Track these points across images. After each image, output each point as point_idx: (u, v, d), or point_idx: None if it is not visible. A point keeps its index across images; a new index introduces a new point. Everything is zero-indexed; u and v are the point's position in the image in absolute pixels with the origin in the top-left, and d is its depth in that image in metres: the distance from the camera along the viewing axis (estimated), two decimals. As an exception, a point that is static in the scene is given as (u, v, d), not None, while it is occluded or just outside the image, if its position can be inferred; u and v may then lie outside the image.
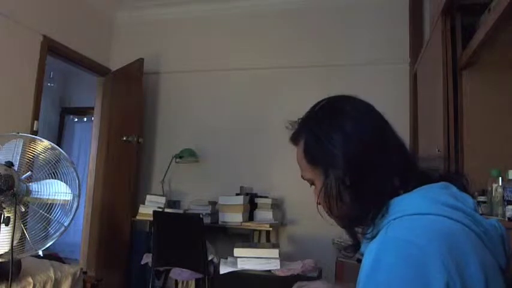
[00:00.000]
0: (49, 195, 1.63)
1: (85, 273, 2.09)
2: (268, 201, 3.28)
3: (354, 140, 0.73)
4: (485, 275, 0.60)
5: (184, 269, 2.80)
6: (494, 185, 1.66)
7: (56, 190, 1.64)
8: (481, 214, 1.71)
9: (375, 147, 0.73)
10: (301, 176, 0.82)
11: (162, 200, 3.40)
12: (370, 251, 0.63)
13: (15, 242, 1.55)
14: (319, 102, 0.83)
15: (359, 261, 0.80)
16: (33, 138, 1.77)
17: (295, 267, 2.45)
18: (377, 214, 0.68)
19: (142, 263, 3.08)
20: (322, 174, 0.75)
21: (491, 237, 0.66)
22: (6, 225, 1.50)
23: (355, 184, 0.71)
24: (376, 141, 0.74)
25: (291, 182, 3.53)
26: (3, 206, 1.52)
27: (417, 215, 0.65)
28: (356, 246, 0.78)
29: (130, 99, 3.78)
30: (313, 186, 0.81)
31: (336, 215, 0.76)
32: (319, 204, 0.79)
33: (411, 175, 0.73)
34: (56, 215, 1.66)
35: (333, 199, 0.74)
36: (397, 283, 0.58)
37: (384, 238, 0.63)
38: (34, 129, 3.17)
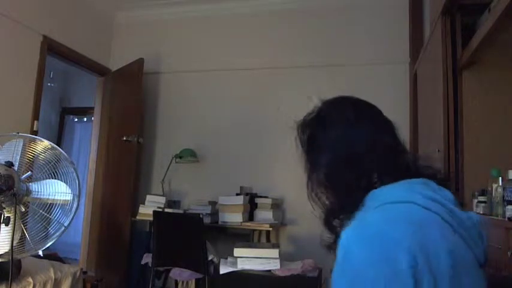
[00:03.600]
0: (49, 195, 1.63)
1: (85, 273, 2.10)
2: (268, 201, 3.28)
3: (341, 141, 0.79)
4: (455, 262, 0.61)
5: (184, 269, 2.80)
6: (494, 185, 1.66)
7: (56, 190, 1.64)
8: (482, 214, 1.71)
9: (358, 148, 0.77)
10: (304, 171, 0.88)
11: (162, 200, 3.40)
12: (340, 238, 0.65)
13: (15, 242, 1.55)
14: (315, 108, 0.89)
15: None
16: (33, 138, 1.77)
17: (295, 267, 2.45)
18: (355, 207, 0.71)
19: (142, 263, 3.08)
20: (307, 175, 0.83)
21: (467, 228, 0.68)
22: (6, 225, 1.50)
23: (332, 185, 0.78)
24: (362, 142, 0.77)
25: (291, 182, 3.54)
26: (3, 206, 1.52)
27: (391, 204, 0.67)
28: (335, 240, 0.78)
29: (130, 99, 3.78)
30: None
31: (322, 205, 0.82)
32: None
33: (393, 172, 0.75)
34: (56, 215, 1.66)
35: (315, 197, 0.81)
36: (363, 266, 0.60)
37: (351, 225, 0.66)
38: (34, 129, 3.16)
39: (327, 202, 0.79)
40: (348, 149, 0.77)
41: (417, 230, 0.61)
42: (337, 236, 0.75)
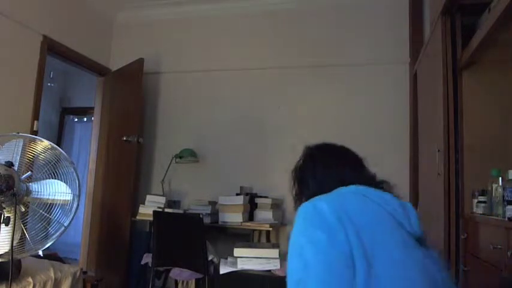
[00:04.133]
0: (49, 195, 1.63)
1: (85, 273, 2.10)
2: (268, 201, 3.28)
3: (317, 168, 1.15)
4: (369, 220, 0.91)
5: (184, 269, 2.80)
6: (494, 185, 1.66)
7: (56, 190, 1.64)
8: (482, 214, 1.70)
9: (330, 168, 1.14)
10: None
11: (162, 200, 3.40)
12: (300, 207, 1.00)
13: (15, 242, 1.55)
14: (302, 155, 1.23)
15: None
16: (33, 138, 1.77)
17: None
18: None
19: (142, 263, 3.08)
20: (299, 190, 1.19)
21: (390, 204, 0.97)
22: (6, 225, 1.50)
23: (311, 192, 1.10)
24: (333, 167, 1.14)
25: (291, 182, 3.54)
26: (3, 206, 1.52)
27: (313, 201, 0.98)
28: None
29: (130, 99, 3.78)
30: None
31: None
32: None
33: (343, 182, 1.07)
34: (56, 215, 1.66)
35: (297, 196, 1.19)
36: (301, 221, 0.94)
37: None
38: (34, 129, 3.16)
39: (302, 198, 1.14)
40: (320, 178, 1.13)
41: (339, 198, 0.98)
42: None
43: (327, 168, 1.13)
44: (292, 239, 0.93)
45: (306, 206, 0.96)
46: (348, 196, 0.99)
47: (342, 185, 1.04)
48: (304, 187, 1.15)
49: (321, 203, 0.93)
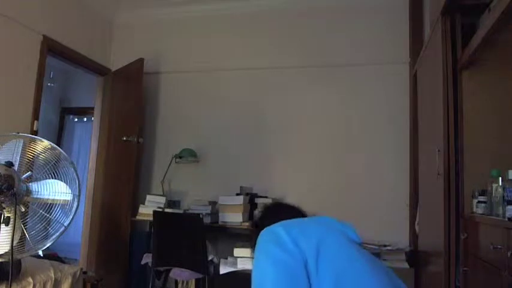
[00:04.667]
0: (49, 195, 1.63)
1: (85, 273, 2.10)
2: (268, 201, 3.28)
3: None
4: (321, 238, 1.04)
5: (184, 269, 2.80)
6: (494, 185, 1.66)
7: (56, 190, 1.64)
8: (482, 214, 1.70)
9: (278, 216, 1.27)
10: None
11: (162, 200, 3.40)
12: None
13: (15, 242, 1.55)
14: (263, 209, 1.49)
15: None
16: (33, 138, 1.77)
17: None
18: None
19: (142, 263, 3.08)
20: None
21: (331, 224, 1.16)
22: (6, 225, 1.50)
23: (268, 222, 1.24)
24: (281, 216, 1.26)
25: (291, 182, 3.55)
26: (3, 206, 1.52)
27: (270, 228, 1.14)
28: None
29: (130, 99, 3.78)
30: None
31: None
32: None
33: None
34: (56, 215, 1.66)
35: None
36: (261, 246, 1.07)
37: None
38: (34, 129, 3.16)
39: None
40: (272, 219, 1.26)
41: (293, 224, 1.13)
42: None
43: (278, 213, 1.35)
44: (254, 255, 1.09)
45: (264, 230, 1.13)
46: (298, 220, 1.22)
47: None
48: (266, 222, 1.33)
49: (276, 227, 1.11)
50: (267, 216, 1.40)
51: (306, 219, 1.26)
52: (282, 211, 1.38)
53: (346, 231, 1.14)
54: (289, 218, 1.22)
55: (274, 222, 1.17)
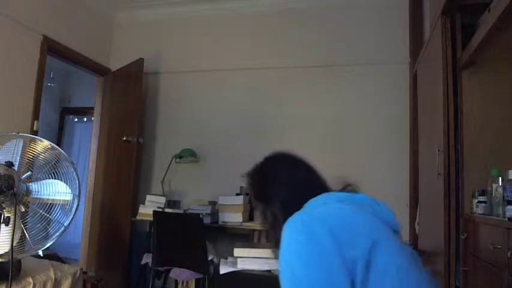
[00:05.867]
0: (49, 195, 1.63)
1: (85, 273, 2.10)
2: (268, 201, 3.28)
3: (279, 184, 1.10)
4: (371, 233, 0.86)
5: (184, 269, 2.80)
6: (494, 185, 1.66)
7: (56, 190, 1.64)
8: (482, 214, 1.70)
9: (293, 187, 1.07)
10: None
11: (162, 200, 3.40)
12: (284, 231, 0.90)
13: (15, 242, 1.55)
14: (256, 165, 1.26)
15: None
16: (33, 138, 1.77)
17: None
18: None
19: (142, 263, 3.08)
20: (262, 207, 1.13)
21: (376, 208, 0.98)
22: (6, 225, 1.50)
23: (279, 210, 1.04)
24: (294, 184, 1.08)
25: (291, 182, 3.54)
26: (3, 206, 1.52)
27: (314, 208, 0.94)
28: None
29: (130, 99, 3.78)
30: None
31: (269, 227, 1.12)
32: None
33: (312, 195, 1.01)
34: (56, 215, 1.66)
35: (266, 220, 1.11)
36: (293, 248, 0.85)
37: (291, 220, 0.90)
38: (34, 129, 3.16)
39: (276, 217, 1.05)
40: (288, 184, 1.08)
41: (329, 211, 0.91)
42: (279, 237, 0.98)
43: (294, 169, 1.12)
44: (285, 258, 0.86)
45: (298, 227, 0.87)
46: (336, 208, 0.93)
47: (312, 188, 1.04)
48: (271, 191, 1.09)
49: (315, 225, 0.85)
50: (280, 173, 1.11)
51: (347, 208, 0.94)
52: (301, 186, 1.07)
53: (390, 220, 0.98)
54: (313, 196, 0.99)
55: (292, 209, 0.94)
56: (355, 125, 3.46)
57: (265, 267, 2.46)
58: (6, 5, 2.95)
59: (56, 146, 1.75)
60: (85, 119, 5.63)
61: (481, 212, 1.75)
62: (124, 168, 3.68)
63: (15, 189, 1.51)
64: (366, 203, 0.98)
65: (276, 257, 0.89)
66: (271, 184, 1.10)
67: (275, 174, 1.13)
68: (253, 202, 1.20)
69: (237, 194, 3.30)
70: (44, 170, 1.69)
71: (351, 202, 0.95)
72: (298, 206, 0.97)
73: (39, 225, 1.65)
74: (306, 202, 0.98)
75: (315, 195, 1.00)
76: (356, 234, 0.85)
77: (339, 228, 0.84)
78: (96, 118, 4.10)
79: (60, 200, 1.65)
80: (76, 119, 5.72)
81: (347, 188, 1.10)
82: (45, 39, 3.29)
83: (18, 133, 1.75)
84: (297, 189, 1.05)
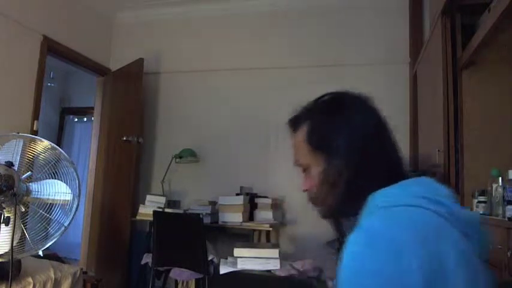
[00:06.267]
0: (49, 195, 1.63)
1: (85, 273, 2.09)
2: (268, 201, 3.28)
3: (358, 133, 0.76)
4: (464, 260, 0.61)
5: (184, 269, 2.80)
6: (494, 185, 1.66)
7: (56, 190, 1.64)
8: (482, 214, 1.71)
9: (375, 144, 0.76)
10: (295, 161, 0.83)
11: (162, 200, 3.39)
12: (347, 242, 0.63)
13: (15, 242, 1.55)
14: (325, 94, 0.85)
15: None
16: (33, 138, 1.77)
17: (295, 267, 2.45)
18: (361, 207, 0.71)
19: (142, 263, 3.08)
20: (323, 161, 0.77)
21: (468, 225, 0.67)
22: (6, 225, 1.50)
23: (351, 176, 0.74)
24: (376, 139, 0.77)
25: (291, 182, 3.53)
26: (3, 206, 1.52)
27: (394, 207, 0.66)
28: (340, 240, 0.77)
29: (130, 99, 3.78)
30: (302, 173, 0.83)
31: (325, 204, 0.80)
32: (307, 190, 0.82)
33: (396, 174, 0.75)
34: (56, 215, 1.66)
35: (329, 187, 0.77)
36: (366, 273, 0.59)
37: (357, 229, 0.64)
38: (34, 129, 3.16)
39: (336, 197, 0.76)
40: (364, 138, 0.76)
41: (424, 233, 0.61)
42: (341, 234, 0.76)
43: (382, 135, 0.79)
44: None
45: (377, 243, 0.60)
46: (434, 222, 0.64)
47: (392, 168, 0.75)
48: (339, 148, 0.75)
49: (405, 248, 0.58)
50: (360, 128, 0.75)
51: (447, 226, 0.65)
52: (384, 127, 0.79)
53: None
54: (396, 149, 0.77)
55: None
56: (355, 125, 3.45)
57: (265, 267, 2.45)
58: (6, 5, 2.95)
59: (56, 146, 1.75)
60: (85, 119, 5.63)
61: (481, 212, 1.75)
62: (124, 168, 3.68)
63: (15, 189, 1.51)
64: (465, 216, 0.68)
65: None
66: (344, 139, 0.75)
67: (355, 130, 0.76)
68: (298, 144, 0.82)
69: (237, 194, 3.30)
70: (44, 170, 1.69)
71: (448, 211, 0.66)
72: (365, 183, 0.72)
73: (39, 225, 1.65)
74: (376, 182, 0.71)
75: (389, 179, 0.72)
76: (446, 240, 0.61)
77: (437, 261, 0.58)
78: (96, 118, 4.10)
79: (60, 200, 1.65)
80: (76, 119, 5.72)
81: (432, 170, 0.83)
82: (45, 39, 3.29)
83: (18, 133, 1.74)
84: (375, 164, 0.75)
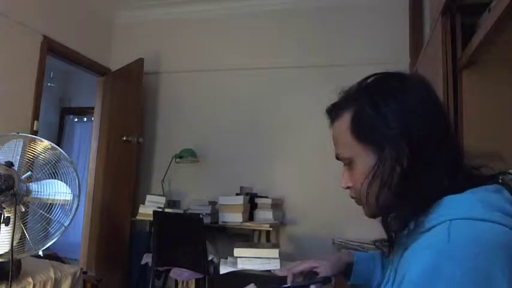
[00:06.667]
0: (49, 195, 1.63)
1: (85, 273, 2.10)
2: (268, 201, 3.28)
3: (419, 115, 0.64)
4: None
5: (184, 269, 2.80)
6: (494, 185, 1.66)
7: (56, 190, 1.64)
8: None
9: (435, 132, 0.64)
10: (336, 155, 0.75)
11: (162, 200, 3.40)
12: (420, 253, 0.56)
13: (15, 242, 1.55)
14: (370, 75, 0.73)
15: None
16: (33, 138, 1.77)
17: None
18: (421, 209, 0.61)
19: (142, 263, 3.08)
20: (372, 152, 0.67)
21: None
22: (6, 225, 1.50)
23: (411, 167, 0.63)
24: (437, 125, 0.65)
25: (291, 182, 3.54)
26: (3, 206, 1.52)
27: (474, 220, 0.56)
28: (390, 241, 0.69)
29: (130, 99, 3.78)
30: (343, 168, 0.74)
31: (375, 202, 0.68)
32: (350, 187, 0.73)
33: (460, 172, 0.65)
34: (56, 215, 1.66)
35: (381, 182, 0.65)
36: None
37: (445, 245, 0.54)
38: (34, 129, 3.17)
39: (390, 195, 0.66)
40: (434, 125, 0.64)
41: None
42: (391, 237, 0.68)
43: (445, 129, 0.66)
44: None
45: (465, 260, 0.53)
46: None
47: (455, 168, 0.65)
48: (397, 142, 0.63)
49: (490, 264, 0.52)
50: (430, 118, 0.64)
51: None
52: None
53: None
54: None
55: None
56: (355, 125, 3.46)
57: (265, 267, 2.45)
58: (6, 5, 2.95)
59: (56, 146, 1.75)
60: (85, 119, 5.63)
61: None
62: (124, 168, 3.68)
63: (15, 189, 1.51)
64: None
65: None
66: (399, 126, 0.64)
67: (412, 115, 0.64)
68: (342, 131, 0.73)
69: (237, 194, 3.30)
70: (44, 170, 1.69)
71: None
72: (425, 178, 0.62)
73: (39, 225, 1.65)
74: (438, 178, 0.63)
75: (452, 174, 0.64)
76: None
77: None
78: (96, 118, 4.10)
79: (60, 200, 1.65)
80: (76, 119, 5.72)
81: (502, 177, 0.70)
82: (45, 39, 3.29)
83: (18, 133, 1.74)
84: (436, 155, 0.63)
